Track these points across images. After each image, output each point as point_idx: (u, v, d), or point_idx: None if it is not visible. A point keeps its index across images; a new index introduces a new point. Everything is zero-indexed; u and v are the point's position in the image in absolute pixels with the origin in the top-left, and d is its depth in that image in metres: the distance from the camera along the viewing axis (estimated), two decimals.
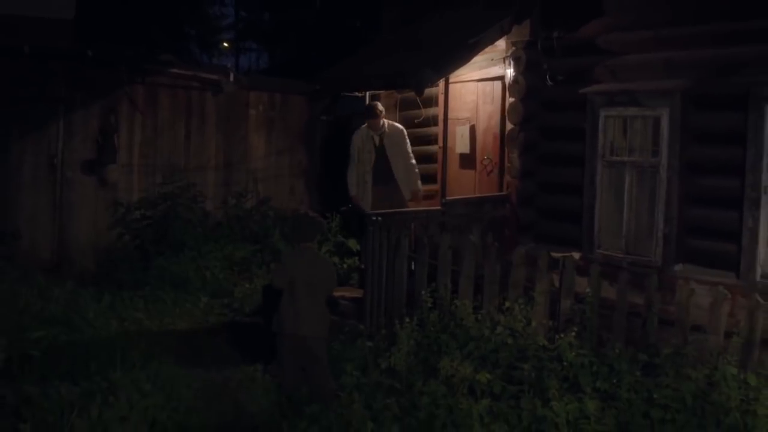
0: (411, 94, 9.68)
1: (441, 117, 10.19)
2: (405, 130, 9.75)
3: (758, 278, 6.92)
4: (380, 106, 9.72)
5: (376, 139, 9.60)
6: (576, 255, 7.74)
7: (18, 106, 10.26)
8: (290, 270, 6.19)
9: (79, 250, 10.75)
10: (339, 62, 11.24)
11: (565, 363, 5.46)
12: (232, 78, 11.88)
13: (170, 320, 8.79)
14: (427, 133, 10.40)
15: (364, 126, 9.74)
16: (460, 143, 9.86)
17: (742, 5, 7.10)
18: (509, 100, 9.07)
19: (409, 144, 9.69)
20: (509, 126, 9.09)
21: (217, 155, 11.91)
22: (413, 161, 9.65)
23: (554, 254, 6.98)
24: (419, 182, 9.65)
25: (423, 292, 6.87)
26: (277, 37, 22.42)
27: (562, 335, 5.70)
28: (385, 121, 9.69)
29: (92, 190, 10.83)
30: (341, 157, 10.52)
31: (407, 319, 6.72)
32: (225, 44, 26.39)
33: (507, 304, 6.36)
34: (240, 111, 12.04)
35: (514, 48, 8.95)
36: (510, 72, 9.03)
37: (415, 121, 10.40)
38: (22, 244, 10.27)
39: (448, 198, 9.29)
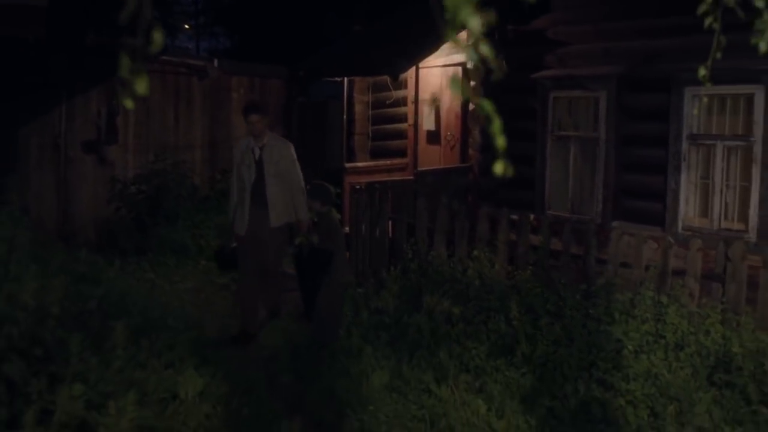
0: (383, 78, 11.23)
1: (412, 98, 11.77)
2: (292, 147, 8.20)
3: (680, 230, 8.64)
4: (260, 108, 8.12)
5: (256, 152, 8.01)
6: (530, 216, 9.40)
7: (24, 92, 11.53)
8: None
9: (81, 223, 12.11)
10: (319, 49, 12.74)
11: (522, 293, 7.11)
12: (216, 64, 13.29)
13: (178, 279, 10.27)
14: (397, 112, 12.00)
15: (248, 136, 8.24)
16: (427, 121, 11.48)
17: (664, 4, 8.78)
18: (471, 83, 10.67)
19: (296, 164, 8.17)
20: (470, 107, 10.71)
21: (203, 135, 13.33)
22: (301, 184, 8.09)
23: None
24: (304, 210, 8.08)
25: (405, 246, 8.48)
26: (239, 21, 23.76)
27: (520, 271, 7.36)
28: (269, 132, 8.19)
29: (92, 168, 12.19)
30: (316, 136, 12.04)
31: (392, 268, 8.35)
32: (186, 26, 27.62)
33: (475, 252, 7.99)
34: (223, 94, 13.47)
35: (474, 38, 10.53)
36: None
37: (387, 102, 11.98)
38: (30, 218, 11.59)
39: (419, 169, 10.91)
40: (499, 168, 1.76)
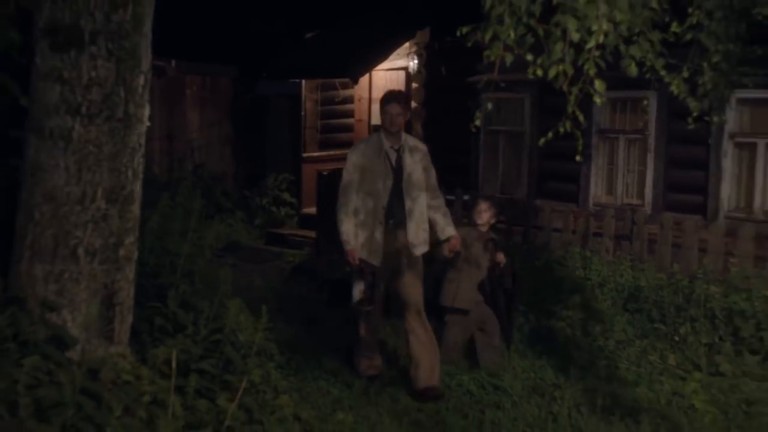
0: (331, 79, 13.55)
1: (359, 97, 14.15)
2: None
3: (591, 206, 11.29)
4: (401, 98, 6.91)
5: (392, 155, 6.69)
6: (465, 196, 11.91)
7: None
8: None
9: None
10: (280, 53, 14.88)
11: None
12: (173, 64, 15.27)
13: None
14: (344, 109, 14.38)
15: (373, 135, 7.05)
16: (374, 117, 13.86)
17: None
18: (413, 85, 13.12)
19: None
20: (414, 105, 13.14)
21: (161, 128, 15.28)
22: (442, 197, 6.99)
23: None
24: (452, 225, 6.97)
25: None
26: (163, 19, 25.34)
27: None
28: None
29: None
30: (259, 130, 14.31)
31: None
32: None
33: None
34: (178, 91, 15.46)
35: (416, 47, 13.00)
36: (413, 64, 13.08)
37: (336, 100, 14.32)
38: None
39: None
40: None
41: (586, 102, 11.14)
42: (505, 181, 12.26)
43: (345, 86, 14.15)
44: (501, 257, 7.41)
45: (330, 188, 11.66)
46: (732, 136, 9.80)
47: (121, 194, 4.50)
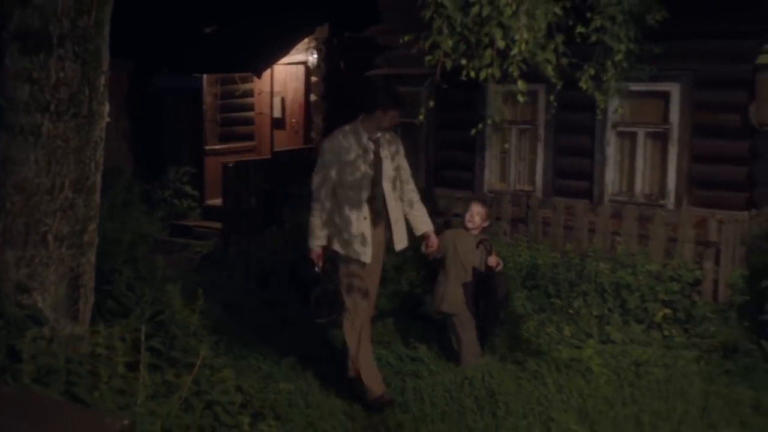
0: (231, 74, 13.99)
1: (259, 90, 14.60)
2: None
3: (486, 191, 12.08)
4: (405, 103, 7.10)
5: (369, 147, 6.58)
6: None
7: None
8: None
9: None
10: (180, 48, 15.18)
11: None
12: None
13: None
14: (245, 102, 14.82)
15: (349, 126, 6.78)
16: (276, 110, 14.36)
17: None
18: (313, 79, 13.68)
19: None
20: (312, 98, 13.70)
21: None
22: (417, 191, 7.02)
23: None
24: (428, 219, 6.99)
25: (284, 210, 11.38)
26: None
27: None
28: None
29: None
30: (157, 124, 14.62)
31: (273, 227, 11.24)
32: None
33: None
34: None
35: (316, 42, 13.55)
36: (312, 59, 13.64)
37: (236, 93, 14.73)
38: None
39: (276, 149, 13.78)
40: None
41: (480, 95, 12.04)
42: None
43: (245, 80, 14.59)
44: (494, 260, 7.19)
45: (235, 180, 12.15)
46: (614, 125, 10.72)
47: (85, 184, 4.96)
